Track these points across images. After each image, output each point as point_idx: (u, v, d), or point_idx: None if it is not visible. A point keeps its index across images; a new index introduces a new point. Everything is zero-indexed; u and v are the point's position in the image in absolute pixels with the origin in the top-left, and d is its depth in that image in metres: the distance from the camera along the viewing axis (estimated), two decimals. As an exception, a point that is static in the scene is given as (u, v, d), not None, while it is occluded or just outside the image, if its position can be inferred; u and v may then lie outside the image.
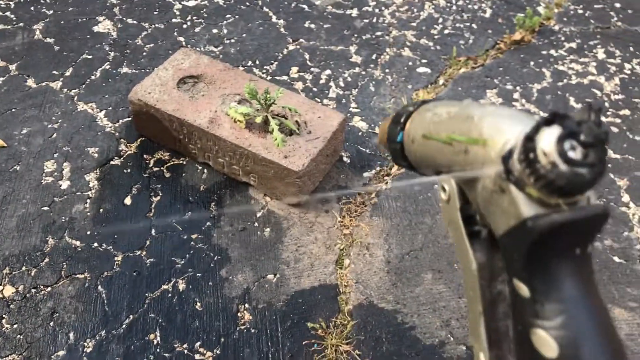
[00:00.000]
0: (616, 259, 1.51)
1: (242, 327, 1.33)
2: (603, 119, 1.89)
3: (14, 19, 2.05)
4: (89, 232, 1.47)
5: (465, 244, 0.43)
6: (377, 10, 2.26)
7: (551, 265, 0.36)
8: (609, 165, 1.74)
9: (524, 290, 0.37)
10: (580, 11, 2.35)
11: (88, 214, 1.51)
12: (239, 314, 1.35)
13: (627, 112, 1.92)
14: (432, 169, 0.47)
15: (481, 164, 0.39)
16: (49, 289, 1.36)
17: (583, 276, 0.37)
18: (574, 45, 2.18)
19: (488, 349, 0.41)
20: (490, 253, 0.44)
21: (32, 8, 2.10)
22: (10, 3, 2.11)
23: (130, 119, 1.71)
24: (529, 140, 0.35)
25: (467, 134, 0.41)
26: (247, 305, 1.36)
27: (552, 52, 2.14)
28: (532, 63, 2.08)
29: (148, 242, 1.46)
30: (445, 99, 1.87)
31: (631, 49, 2.18)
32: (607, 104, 1.94)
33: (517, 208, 0.36)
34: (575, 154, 0.34)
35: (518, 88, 1.97)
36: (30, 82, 1.83)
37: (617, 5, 2.40)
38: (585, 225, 0.36)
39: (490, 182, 0.38)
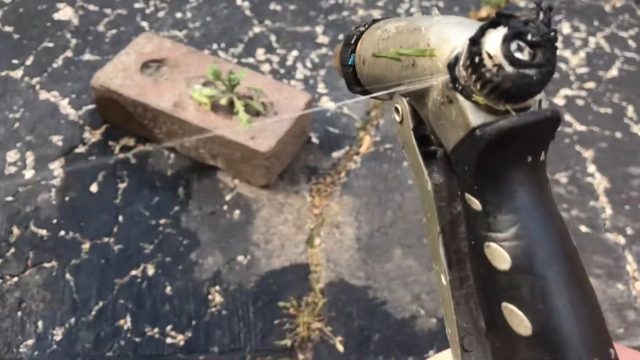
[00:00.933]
0: (582, 228, 1.53)
1: (213, 310, 1.32)
2: (564, 92, 1.91)
3: (-28, 8, 2.00)
4: (55, 221, 1.45)
5: (420, 165, 0.41)
6: (343, -9, 2.25)
7: (502, 175, 0.35)
8: (575, 137, 1.76)
9: (475, 204, 0.36)
10: (545, -13, 2.37)
11: (54, 202, 1.48)
12: (209, 297, 1.34)
13: (592, 85, 1.94)
14: (384, 89, 0.46)
15: (429, 75, 0.37)
16: (16, 278, 1.34)
17: (536, 184, 0.36)
18: (539, 20, 2.19)
19: (449, 270, 0.40)
20: (448, 173, 0.41)
21: (-10, -3, 2.05)
22: (-33, -8, 2.06)
23: (94, 106, 1.68)
24: (474, 43, 0.33)
25: (414, 47, 0.38)
26: (217, 288, 1.36)
27: (518, 27, 2.15)
28: (498, 39, 2.08)
29: (115, 229, 1.44)
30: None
31: (595, 23, 2.20)
32: (572, 78, 1.96)
33: (465, 118, 0.34)
34: (523, 55, 0.32)
35: (484, 64, 1.97)
36: (-10, 72, 1.79)
37: (581, -20, 2.42)
38: (536, 130, 0.34)
39: (438, 93, 0.36)
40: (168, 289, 1.35)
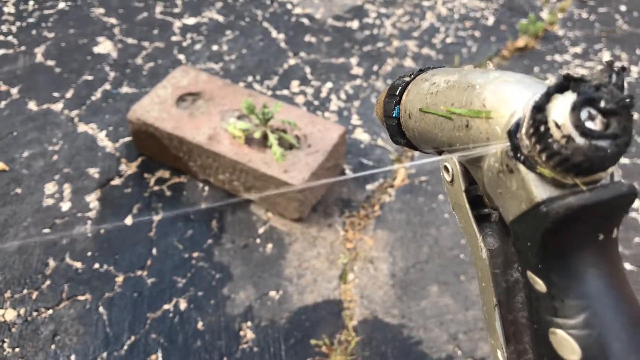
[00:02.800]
0: (627, 265, 1.46)
1: (244, 346, 1.30)
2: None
3: (16, 43, 2.06)
4: (89, 254, 1.46)
5: (474, 230, 0.38)
6: (378, 22, 2.25)
7: (570, 255, 0.32)
8: (618, 170, 1.70)
9: (539, 284, 0.32)
10: (584, 15, 2.32)
11: (89, 235, 1.50)
12: (241, 333, 1.32)
13: (635, 115, 1.88)
14: (433, 146, 0.42)
15: (485, 140, 0.34)
16: (50, 311, 1.35)
17: (608, 265, 0.32)
18: (578, 49, 2.15)
19: (506, 345, 0.36)
20: (504, 238, 0.38)
21: (33, 32, 2.11)
22: (13, 27, 2.13)
23: (130, 138, 1.70)
24: (539, 110, 0.30)
25: (468, 106, 0.35)
26: (249, 323, 1.34)
27: (557, 57, 2.11)
28: (536, 69, 2.05)
29: (149, 262, 1.45)
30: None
31: (637, 51, 2.14)
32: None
33: (528, 190, 0.31)
34: (595, 125, 0.29)
35: (522, 95, 1.94)
36: (32, 105, 1.83)
37: (622, 8, 2.37)
38: (609, 207, 0.31)
39: (496, 161, 0.33)
40: (200, 324, 1.33)
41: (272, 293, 1.39)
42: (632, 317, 0.31)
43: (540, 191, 0.31)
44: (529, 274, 0.33)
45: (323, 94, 1.91)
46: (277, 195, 1.49)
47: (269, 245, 1.49)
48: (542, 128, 0.29)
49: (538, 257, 0.32)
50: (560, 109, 0.29)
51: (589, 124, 0.29)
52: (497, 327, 0.37)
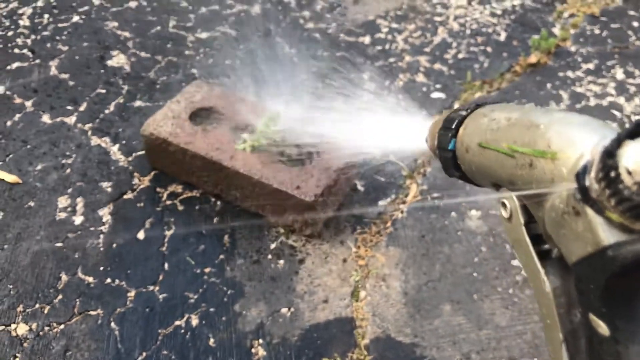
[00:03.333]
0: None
1: (256, 364, 1.30)
2: None
3: (31, 56, 2.08)
4: (102, 268, 1.46)
5: (536, 266, 0.38)
6: (389, 37, 2.25)
7: (636, 301, 0.32)
8: (632, 188, 1.69)
9: (602, 328, 0.32)
10: (597, 31, 2.32)
11: (101, 249, 1.50)
12: (252, 350, 1.32)
13: (648, 132, 1.87)
14: (490, 181, 0.42)
15: (550, 181, 0.34)
16: (62, 326, 1.35)
17: None
18: (591, 66, 2.14)
19: None
20: (565, 276, 0.37)
21: (48, 45, 2.13)
22: (28, 41, 2.15)
23: (143, 152, 1.71)
24: (609, 155, 0.30)
25: (532, 145, 0.36)
26: (261, 341, 1.33)
27: (569, 73, 2.10)
28: (549, 85, 2.04)
29: (161, 277, 1.44)
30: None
31: (651, 68, 2.14)
32: (628, 126, 1.90)
33: (595, 234, 0.31)
34: None
35: (535, 111, 1.93)
36: (46, 118, 1.84)
37: (635, 24, 2.36)
38: None
39: (561, 202, 0.33)
40: (211, 341, 1.33)
41: (284, 310, 1.39)
42: None
43: (607, 235, 0.31)
44: (592, 316, 0.33)
45: (335, 109, 1.91)
46: (289, 211, 1.49)
47: (281, 262, 1.48)
48: (613, 174, 0.29)
49: (602, 301, 0.32)
50: (632, 155, 0.29)
51: None
52: None
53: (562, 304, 0.36)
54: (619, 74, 2.11)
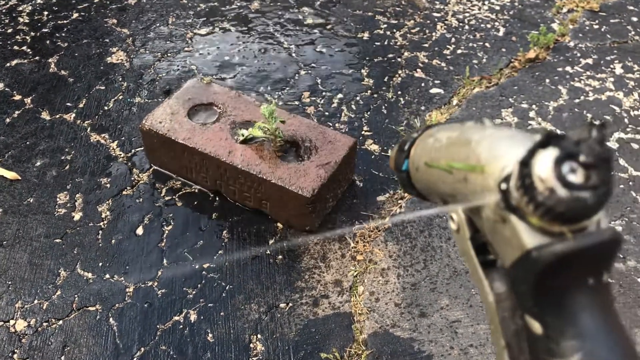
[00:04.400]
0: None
1: (254, 359, 1.30)
2: (618, 135, 1.84)
3: (30, 52, 2.08)
4: (100, 264, 1.46)
5: (480, 276, 0.40)
6: (388, 33, 2.25)
7: (563, 299, 0.34)
8: (631, 183, 1.69)
9: (536, 327, 0.35)
10: (595, 26, 2.31)
11: (100, 245, 1.50)
12: (251, 345, 1.32)
13: (647, 127, 1.87)
14: (439, 197, 0.45)
15: (481, 192, 0.36)
16: (61, 322, 1.35)
17: (600, 307, 0.34)
18: (590, 61, 2.14)
19: None
20: (510, 281, 0.40)
21: (47, 42, 2.13)
22: (27, 38, 2.15)
23: (142, 148, 1.71)
24: (524, 165, 0.32)
25: (465, 160, 0.38)
26: (259, 336, 1.34)
27: (568, 68, 2.10)
28: (547, 80, 2.04)
29: (159, 273, 1.45)
30: (458, 119, 1.84)
31: (650, 63, 2.13)
32: (626, 120, 1.90)
33: (519, 239, 0.34)
34: (576, 177, 0.31)
35: (534, 106, 1.93)
36: (45, 115, 1.85)
37: (634, 19, 2.36)
38: (595, 252, 0.33)
39: (491, 211, 0.36)
40: (210, 336, 1.33)
41: (282, 305, 1.39)
42: (624, 355, 0.33)
43: (530, 239, 0.33)
44: (526, 317, 0.35)
45: (334, 105, 1.92)
46: (288, 207, 1.49)
47: (279, 257, 1.49)
48: (528, 181, 0.32)
49: (533, 301, 0.34)
50: (544, 163, 0.32)
51: (571, 177, 0.31)
52: None
53: (507, 307, 0.38)
54: (618, 68, 2.11)
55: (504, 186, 0.34)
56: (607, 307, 0.35)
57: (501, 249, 0.36)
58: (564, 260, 0.32)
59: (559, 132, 0.33)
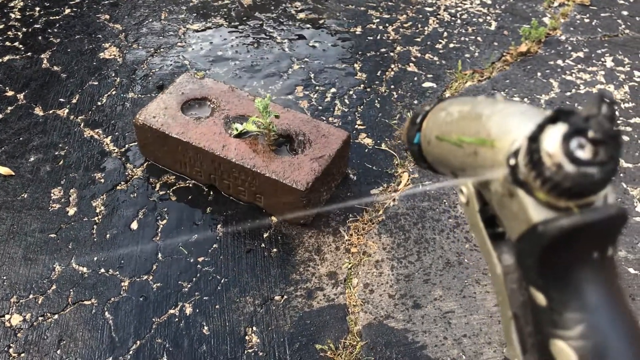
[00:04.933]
0: (631, 270, 1.47)
1: (249, 351, 1.31)
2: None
3: (22, 48, 2.08)
4: (95, 258, 1.46)
5: (489, 248, 0.41)
6: (381, 27, 2.26)
7: (567, 272, 0.34)
8: (622, 174, 1.71)
9: (540, 298, 0.35)
10: (586, 20, 2.33)
11: (95, 239, 1.50)
12: (246, 337, 1.33)
13: (638, 120, 1.89)
14: (449, 170, 0.45)
15: (491, 167, 0.37)
16: (56, 316, 1.36)
17: (604, 281, 0.35)
18: (581, 54, 2.15)
19: (523, 355, 0.38)
20: None
21: (39, 37, 2.13)
22: (19, 33, 2.14)
23: (136, 143, 1.71)
24: (533, 140, 0.32)
25: (476, 135, 0.39)
26: (254, 328, 1.35)
27: (559, 62, 2.12)
28: (539, 74, 2.06)
29: (155, 267, 1.45)
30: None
31: (640, 56, 2.15)
32: (617, 113, 1.91)
33: (527, 213, 0.34)
34: (584, 153, 0.32)
35: (525, 100, 1.94)
36: (38, 111, 1.85)
37: (625, 12, 2.38)
38: (601, 227, 0.34)
39: (499, 185, 0.36)
40: (205, 329, 1.34)
41: (277, 298, 1.40)
42: (626, 328, 0.34)
43: (536, 213, 0.34)
44: (531, 289, 0.36)
45: (327, 99, 1.92)
46: (282, 200, 1.50)
47: (274, 250, 1.50)
48: (536, 157, 0.32)
49: (538, 274, 0.35)
50: (552, 139, 0.32)
51: (579, 153, 0.31)
52: (513, 338, 0.39)
53: (515, 279, 0.39)
54: (609, 62, 2.12)
55: (512, 161, 0.34)
56: (611, 281, 0.35)
57: (508, 222, 0.37)
58: (569, 235, 0.33)
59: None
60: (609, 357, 0.33)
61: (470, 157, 0.39)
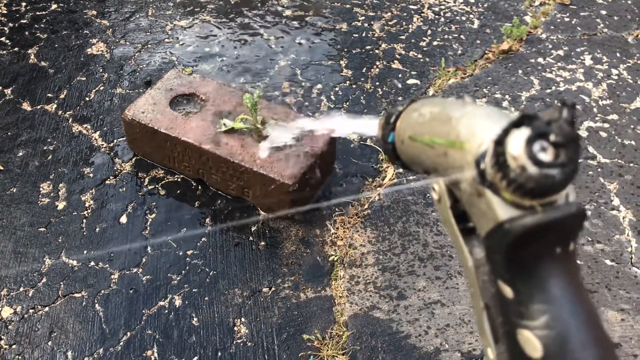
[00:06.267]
0: (608, 262, 1.52)
1: (238, 341, 1.34)
2: (587, 124, 1.91)
3: (9, 43, 2.08)
4: (85, 252, 1.48)
5: (460, 242, 0.43)
6: (366, 25, 2.29)
7: (532, 267, 0.37)
8: (599, 169, 1.76)
9: (507, 291, 0.37)
10: (566, 19, 2.38)
11: (84, 233, 1.52)
12: (235, 328, 1.36)
13: (615, 117, 1.95)
14: (422, 169, 0.47)
15: (460, 167, 0.39)
16: (47, 309, 1.38)
17: (566, 274, 0.37)
18: (561, 52, 2.21)
19: (495, 344, 0.41)
20: None
21: (26, 33, 2.13)
22: (5, 29, 2.15)
23: (124, 138, 1.73)
24: (499, 144, 0.35)
25: (446, 136, 0.41)
26: (243, 319, 1.38)
27: (540, 60, 2.17)
28: (520, 71, 2.10)
29: (144, 260, 1.48)
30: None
31: (618, 54, 2.21)
32: (595, 110, 1.97)
33: (494, 211, 0.36)
34: (546, 155, 0.34)
35: (507, 96, 1.99)
36: (26, 106, 1.85)
37: (603, 12, 2.43)
38: (562, 225, 0.36)
39: (468, 185, 0.38)
40: (194, 320, 1.37)
41: (265, 290, 1.43)
42: (586, 317, 0.37)
43: (503, 212, 0.36)
44: (499, 282, 0.38)
45: (313, 95, 1.95)
46: (270, 194, 1.53)
47: (262, 243, 1.53)
48: (502, 159, 0.34)
49: (505, 268, 0.37)
50: (516, 142, 0.34)
51: (542, 155, 0.34)
52: (485, 328, 0.41)
53: (486, 271, 0.41)
54: (588, 60, 2.18)
55: (480, 163, 0.36)
56: (573, 275, 0.37)
57: (477, 219, 0.39)
58: (533, 232, 0.35)
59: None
60: (570, 344, 0.35)
61: (441, 158, 0.41)
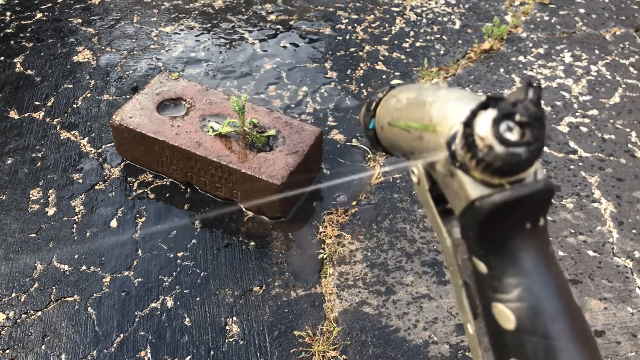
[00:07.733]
0: (590, 252, 1.56)
1: (230, 340, 1.36)
2: (568, 119, 1.95)
3: (-5, 53, 2.09)
4: (76, 256, 1.50)
5: (439, 223, 0.44)
6: (349, 27, 2.33)
7: (503, 242, 0.38)
8: (580, 163, 1.80)
9: (482, 267, 0.39)
10: (546, 18, 2.43)
11: (75, 238, 1.54)
12: (227, 327, 1.38)
13: (595, 112, 1.99)
14: (401, 153, 0.49)
15: (434, 150, 0.40)
16: (39, 313, 1.39)
17: (537, 248, 0.38)
18: (541, 50, 2.25)
19: (474, 320, 0.42)
20: None
21: (12, 42, 2.14)
22: (-9, 38, 2.15)
23: (113, 144, 1.75)
24: (467, 125, 0.36)
25: (420, 120, 0.42)
26: (234, 318, 1.40)
27: (521, 58, 2.21)
28: (501, 70, 2.14)
29: (135, 263, 1.49)
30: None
31: (596, 51, 2.26)
32: (575, 105, 2.01)
33: (465, 190, 0.38)
34: (512, 135, 0.35)
35: (489, 94, 2.03)
36: (13, 114, 1.86)
37: (582, 10, 2.48)
38: (530, 201, 0.37)
39: (441, 166, 0.40)
40: (187, 320, 1.38)
41: (256, 289, 1.45)
42: (557, 289, 0.38)
43: (473, 190, 0.38)
44: (474, 258, 0.40)
45: (299, 97, 1.98)
46: (258, 195, 1.55)
47: (252, 243, 1.55)
48: (470, 140, 0.36)
49: (478, 244, 0.39)
50: (483, 123, 0.36)
51: (508, 135, 0.35)
52: (464, 304, 0.43)
53: (464, 250, 0.43)
54: (567, 57, 2.22)
55: (451, 144, 0.38)
56: (544, 248, 0.39)
57: (452, 199, 0.41)
58: (503, 208, 0.37)
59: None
60: (542, 316, 0.37)
61: (416, 141, 0.43)
